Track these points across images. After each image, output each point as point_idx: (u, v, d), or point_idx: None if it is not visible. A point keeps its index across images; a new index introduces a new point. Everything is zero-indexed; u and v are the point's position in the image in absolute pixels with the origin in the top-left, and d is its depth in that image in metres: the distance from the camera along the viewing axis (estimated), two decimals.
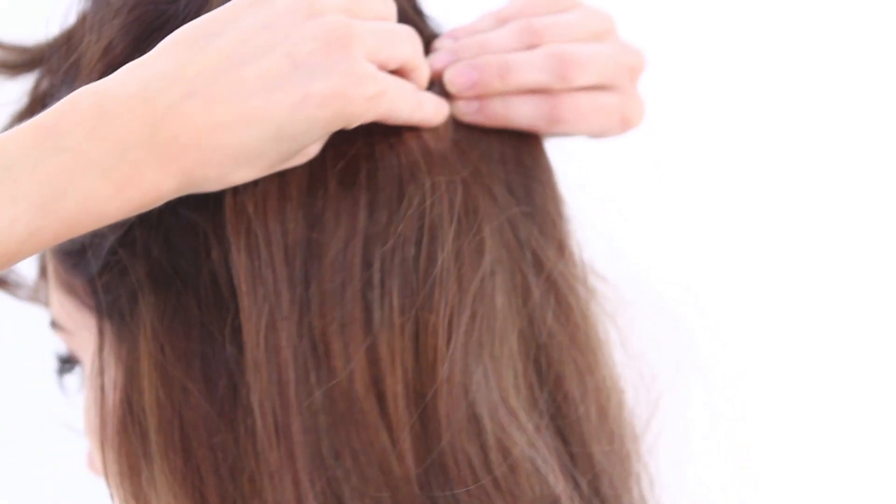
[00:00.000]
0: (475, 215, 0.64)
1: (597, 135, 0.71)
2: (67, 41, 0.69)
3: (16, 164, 0.54)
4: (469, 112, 0.67)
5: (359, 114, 0.60)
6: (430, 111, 0.65)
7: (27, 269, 0.79)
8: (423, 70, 0.66)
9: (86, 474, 0.88)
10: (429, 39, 0.69)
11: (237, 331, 0.62)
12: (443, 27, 0.72)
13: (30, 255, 0.57)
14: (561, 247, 0.68)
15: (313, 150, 0.63)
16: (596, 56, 0.69)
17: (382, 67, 0.62)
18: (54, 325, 0.73)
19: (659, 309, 0.72)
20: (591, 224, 0.71)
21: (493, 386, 0.62)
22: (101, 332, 0.67)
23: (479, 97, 0.67)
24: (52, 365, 0.84)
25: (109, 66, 0.64)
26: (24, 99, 0.73)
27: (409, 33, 0.64)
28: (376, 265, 0.62)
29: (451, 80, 0.67)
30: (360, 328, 0.61)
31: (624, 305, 0.70)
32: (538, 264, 0.66)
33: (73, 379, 0.79)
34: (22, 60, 0.72)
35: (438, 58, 0.68)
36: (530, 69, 0.67)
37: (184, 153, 0.57)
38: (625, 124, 0.71)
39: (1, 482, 1.16)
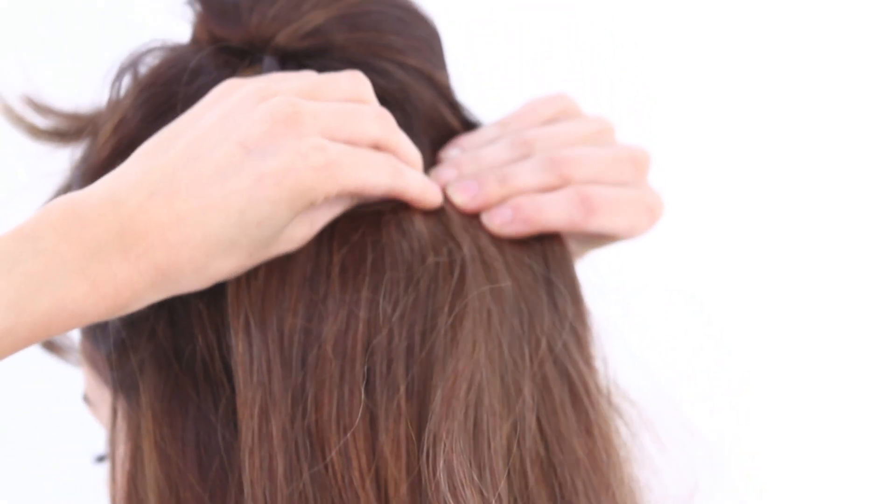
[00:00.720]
0: (464, 293, 0.64)
1: (629, 231, 0.70)
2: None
3: None
4: (505, 223, 0.67)
5: (314, 186, 0.60)
6: (416, 184, 0.65)
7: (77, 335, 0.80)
8: (402, 149, 0.65)
9: (86, 474, 0.87)
10: (456, 130, 0.71)
11: (232, 414, 0.63)
12: (480, 116, 0.73)
13: (7, 353, 0.58)
14: (585, 356, 0.67)
15: (299, 235, 0.63)
16: (587, 155, 0.69)
17: (350, 144, 0.63)
18: (85, 398, 0.74)
19: (682, 425, 0.71)
20: (615, 336, 0.69)
21: (483, 482, 0.60)
22: (114, 409, 0.68)
23: (486, 206, 0.68)
24: (54, 369, 0.84)
25: (120, 141, 0.66)
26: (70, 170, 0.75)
27: (375, 114, 0.64)
28: (380, 353, 0.62)
29: (454, 195, 0.68)
30: (360, 417, 0.60)
31: (648, 423, 0.68)
32: (551, 360, 0.65)
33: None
34: (73, 128, 0.74)
35: (443, 172, 0.69)
36: (527, 172, 0.68)
37: (152, 250, 0.59)
38: (651, 215, 0.70)
39: (1, 482, 1.15)
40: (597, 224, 0.68)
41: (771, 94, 1.12)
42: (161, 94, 0.67)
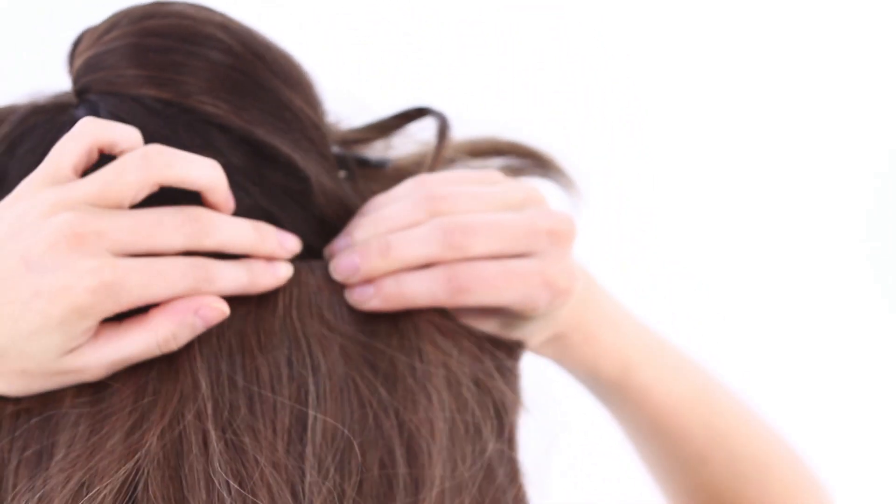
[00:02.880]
0: None
1: (523, 304, 0.67)
2: None
3: None
4: (364, 300, 0.66)
5: (91, 305, 0.60)
6: (231, 282, 0.63)
7: None
8: (224, 244, 0.63)
9: None
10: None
11: None
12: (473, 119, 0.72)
13: None
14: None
15: (91, 371, 0.62)
16: (498, 223, 0.66)
17: (152, 252, 0.62)
18: None
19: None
20: None
21: None
22: None
23: (369, 280, 0.66)
24: None
25: None
26: None
27: (180, 221, 0.62)
28: None
29: (335, 271, 0.66)
30: None
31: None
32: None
33: None
34: None
35: (336, 244, 0.67)
36: (414, 243, 0.66)
37: None
38: (550, 288, 0.67)
39: None
40: (473, 300, 0.66)
41: (764, 97, 1.12)
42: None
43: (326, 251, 0.68)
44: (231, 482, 0.59)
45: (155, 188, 0.62)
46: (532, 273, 0.67)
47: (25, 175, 0.64)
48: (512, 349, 0.69)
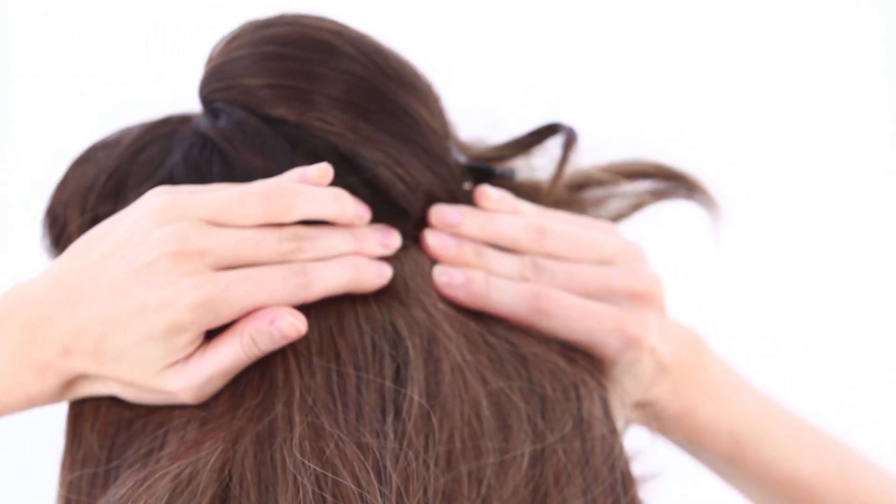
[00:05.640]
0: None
1: (593, 344, 0.69)
2: None
3: None
4: (450, 283, 0.68)
5: (192, 320, 0.62)
6: (333, 282, 0.65)
7: None
8: (323, 253, 0.66)
9: None
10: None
11: None
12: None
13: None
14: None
15: (188, 392, 0.63)
16: (578, 271, 0.69)
17: (253, 264, 0.63)
18: None
19: None
20: None
21: None
22: None
23: (457, 263, 0.68)
24: None
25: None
26: None
27: (285, 237, 0.64)
28: None
29: (431, 237, 0.69)
30: None
31: None
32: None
33: None
34: None
35: (447, 214, 0.70)
36: (506, 262, 0.68)
37: (55, 358, 0.63)
38: (622, 334, 0.69)
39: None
40: (547, 325, 0.68)
41: (766, 97, 1.13)
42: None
43: (433, 212, 0.70)
44: (309, 462, 0.59)
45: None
46: (607, 316, 0.69)
47: (143, 183, 0.67)
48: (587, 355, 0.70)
